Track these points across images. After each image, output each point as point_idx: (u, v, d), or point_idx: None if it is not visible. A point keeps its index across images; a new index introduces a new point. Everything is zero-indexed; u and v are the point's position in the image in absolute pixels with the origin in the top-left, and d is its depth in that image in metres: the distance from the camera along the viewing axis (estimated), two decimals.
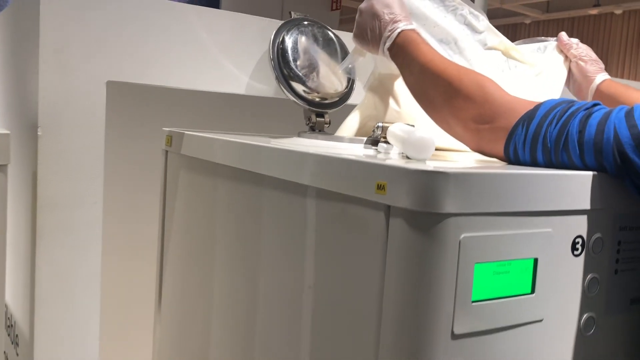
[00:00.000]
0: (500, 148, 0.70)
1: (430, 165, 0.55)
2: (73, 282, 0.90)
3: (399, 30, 0.83)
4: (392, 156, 0.73)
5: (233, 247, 0.87)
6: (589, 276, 0.65)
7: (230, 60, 1.02)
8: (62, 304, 0.89)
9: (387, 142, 0.81)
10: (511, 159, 0.70)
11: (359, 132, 0.98)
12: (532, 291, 0.60)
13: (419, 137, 0.61)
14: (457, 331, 0.55)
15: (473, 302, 0.56)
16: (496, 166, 0.64)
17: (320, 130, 1.04)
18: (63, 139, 0.88)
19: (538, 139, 0.66)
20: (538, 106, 0.67)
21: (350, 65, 0.96)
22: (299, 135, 0.97)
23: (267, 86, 1.07)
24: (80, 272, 0.91)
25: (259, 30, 1.04)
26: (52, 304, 0.88)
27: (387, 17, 0.84)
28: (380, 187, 0.56)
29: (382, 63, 0.94)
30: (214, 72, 1.00)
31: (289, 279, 0.72)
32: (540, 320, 0.61)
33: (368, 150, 0.81)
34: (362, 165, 0.59)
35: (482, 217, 0.55)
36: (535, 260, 0.60)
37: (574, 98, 0.92)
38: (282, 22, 1.03)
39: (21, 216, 0.92)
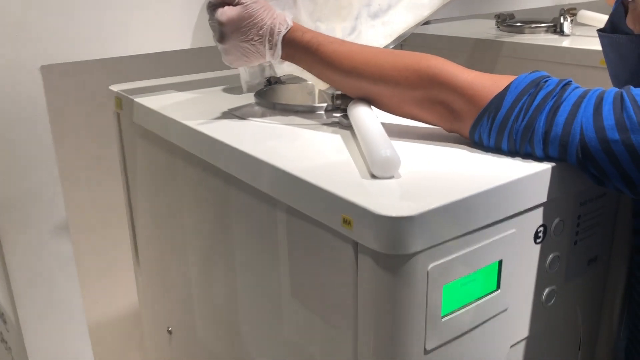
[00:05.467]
0: (465, 132, 0.69)
1: (395, 205, 0.54)
2: (48, 273, 0.91)
3: (279, 41, 0.76)
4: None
5: (204, 232, 0.87)
6: (550, 256, 0.68)
7: (169, 13, 0.93)
8: (41, 296, 0.90)
9: (346, 117, 0.78)
10: (475, 142, 0.69)
11: None
12: (498, 288, 0.63)
13: (385, 158, 0.59)
14: (429, 347, 0.59)
15: (443, 317, 0.59)
16: (460, 175, 0.63)
17: (277, 82, 1.00)
18: (6, 137, 0.83)
19: (504, 132, 0.65)
20: (505, 92, 0.65)
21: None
22: (255, 96, 0.93)
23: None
24: (54, 263, 0.91)
25: None
26: (32, 299, 0.90)
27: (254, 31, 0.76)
28: (347, 222, 0.56)
29: None
30: (153, 32, 0.93)
31: (264, 284, 0.74)
32: (505, 310, 0.65)
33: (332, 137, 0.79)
34: (328, 196, 0.58)
35: (448, 243, 0.56)
36: (500, 261, 0.62)
37: None
38: None
39: None
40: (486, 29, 1.68)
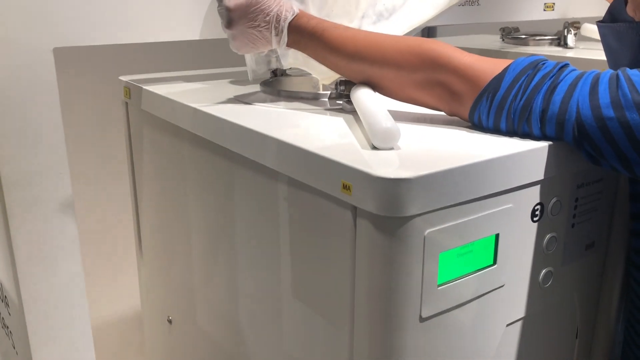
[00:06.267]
0: (465, 114, 0.70)
1: (393, 169, 0.55)
2: (53, 254, 0.92)
3: (285, 27, 0.78)
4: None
5: (206, 211, 0.88)
6: (547, 236, 0.69)
7: (180, 4, 0.96)
8: (45, 277, 0.91)
9: (349, 102, 0.80)
10: (475, 123, 0.70)
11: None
12: (494, 262, 0.64)
13: (385, 129, 0.61)
14: (424, 314, 0.59)
15: (439, 285, 0.60)
16: (458, 148, 0.64)
17: (282, 74, 1.02)
18: (17, 117, 0.85)
19: (502, 111, 0.66)
20: (503, 73, 0.66)
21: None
22: (261, 85, 0.95)
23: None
24: (58, 243, 0.92)
25: None
26: (35, 279, 0.91)
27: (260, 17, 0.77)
28: (346, 187, 0.57)
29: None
30: (164, 21, 0.95)
31: (265, 263, 0.75)
32: (502, 286, 0.66)
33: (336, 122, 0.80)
34: (328, 163, 0.59)
35: (445, 210, 0.57)
36: (497, 235, 0.63)
37: None
38: None
39: None
40: (491, 42, 1.71)
